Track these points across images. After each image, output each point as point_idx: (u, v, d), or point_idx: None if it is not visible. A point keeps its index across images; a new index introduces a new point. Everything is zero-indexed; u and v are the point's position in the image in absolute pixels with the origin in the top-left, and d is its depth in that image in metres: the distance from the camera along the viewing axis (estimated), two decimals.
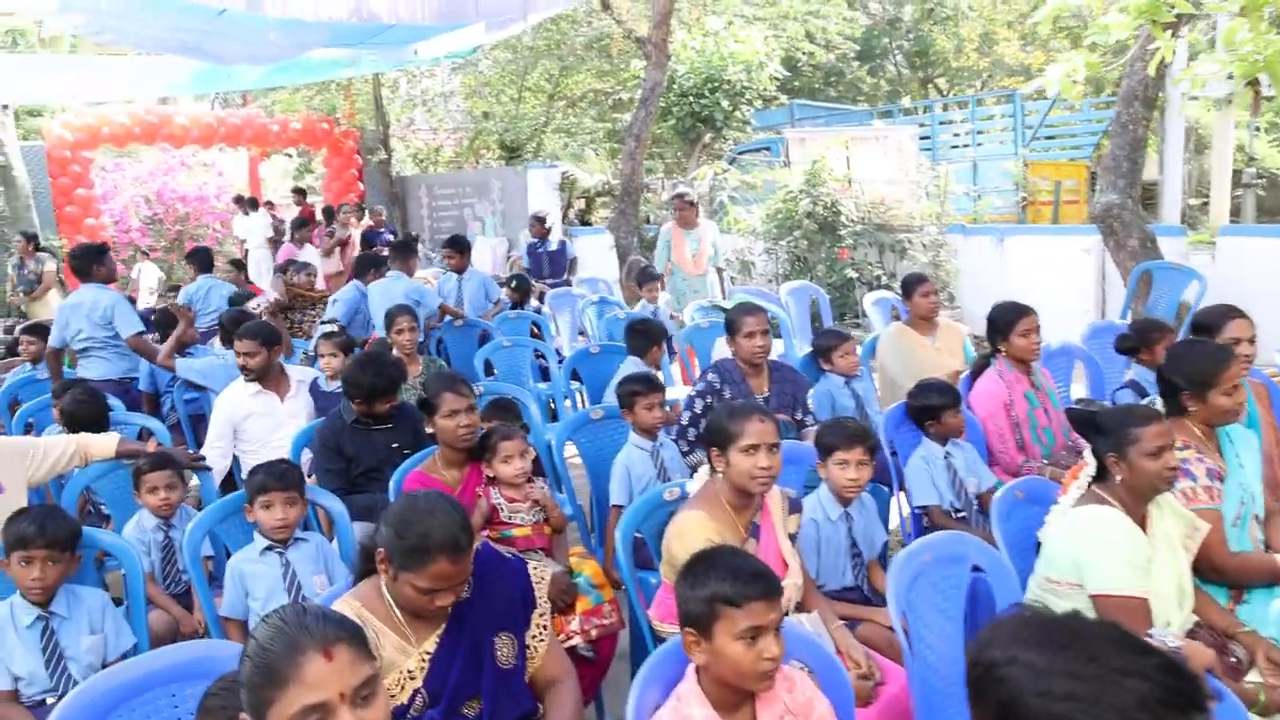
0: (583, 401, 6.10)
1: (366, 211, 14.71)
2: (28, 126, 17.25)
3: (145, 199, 15.18)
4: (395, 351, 5.41)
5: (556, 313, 8.29)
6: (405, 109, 17.58)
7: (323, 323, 5.88)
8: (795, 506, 3.10)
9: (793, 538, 3.01)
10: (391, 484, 3.62)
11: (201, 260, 7.96)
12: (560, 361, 6.40)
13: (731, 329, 4.35)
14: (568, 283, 9.17)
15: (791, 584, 2.91)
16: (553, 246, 9.20)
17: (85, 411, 4.32)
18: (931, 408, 3.90)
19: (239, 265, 10.16)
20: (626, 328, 5.50)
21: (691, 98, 11.87)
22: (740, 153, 13.74)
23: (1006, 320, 4.22)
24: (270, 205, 15.77)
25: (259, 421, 4.71)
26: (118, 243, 14.02)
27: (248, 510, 3.27)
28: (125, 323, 5.74)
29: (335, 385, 4.89)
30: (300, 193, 15.68)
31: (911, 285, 5.33)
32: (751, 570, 2.04)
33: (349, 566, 3.34)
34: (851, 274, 9.50)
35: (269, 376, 4.76)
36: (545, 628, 2.50)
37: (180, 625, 3.49)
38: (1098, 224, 8.22)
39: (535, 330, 7.39)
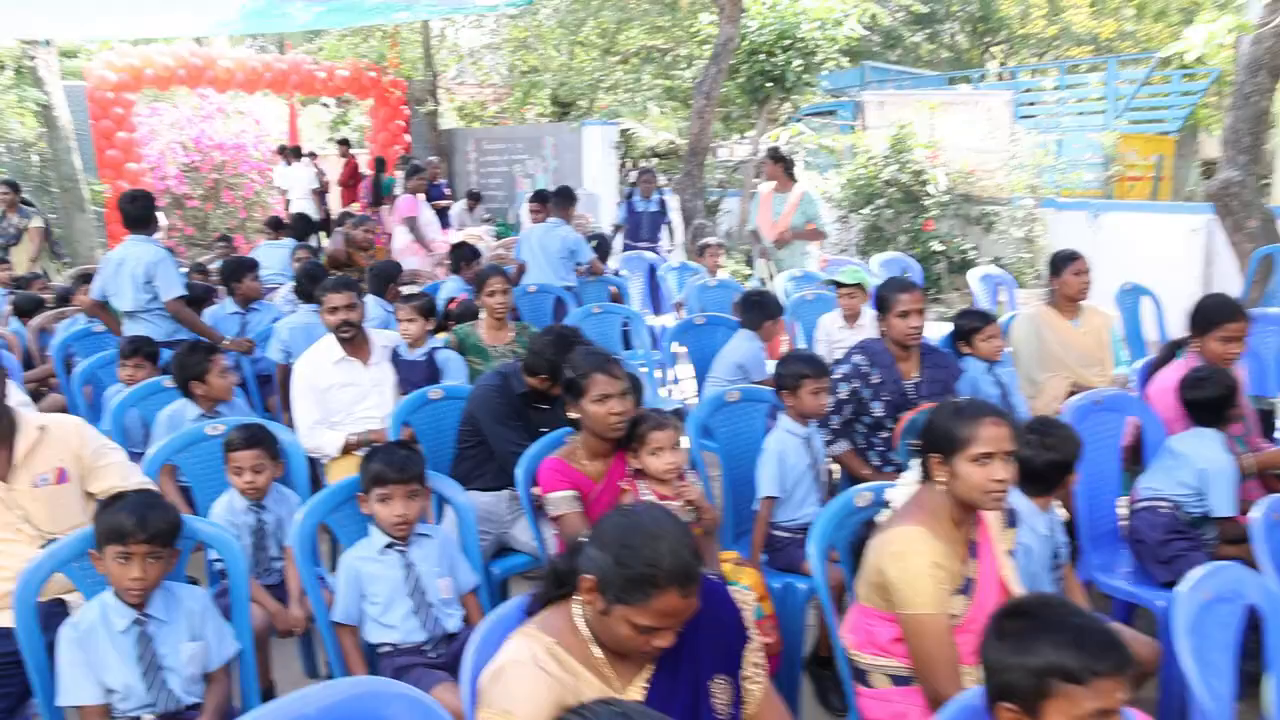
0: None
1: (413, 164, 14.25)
2: (65, 68, 16.79)
3: (183, 145, 14.72)
4: (485, 315, 4.98)
5: (629, 277, 7.84)
6: (452, 60, 17.00)
7: (403, 284, 5.40)
8: (1012, 519, 2.65)
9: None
10: (521, 472, 3.18)
11: (273, 226, 7.64)
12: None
13: (883, 306, 3.88)
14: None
15: None
16: (654, 206, 8.61)
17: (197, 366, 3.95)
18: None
19: (277, 224, 9.55)
20: (740, 299, 5.05)
21: (762, 55, 11.26)
22: (805, 114, 13.16)
23: (1215, 318, 3.71)
24: (313, 156, 15.31)
25: (342, 393, 4.27)
26: (155, 189, 13.58)
27: (362, 501, 2.84)
28: (167, 284, 5.23)
29: (418, 353, 4.45)
30: (344, 143, 15.24)
31: (1062, 262, 4.82)
32: (1100, 637, 1.59)
33: (474, 567, 2.93)
34: (936, 247, 8.96)
35: (355, 339, 4.32)
36: (759, 665, 2.06)
37: (275, 622, 3.09)
38: (1213, 202, 7.64)
39: (615, 295, 6.93)
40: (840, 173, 10.02)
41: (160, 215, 13.17)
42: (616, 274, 7.48)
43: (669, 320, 7.38)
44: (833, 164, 10.66)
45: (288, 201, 14.67)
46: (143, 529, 2.40)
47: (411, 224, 8.66)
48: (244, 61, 13.70)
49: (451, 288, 6.51)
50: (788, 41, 11.27)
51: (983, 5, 19.64)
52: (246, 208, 15.57)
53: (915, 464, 2.48)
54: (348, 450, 4.19)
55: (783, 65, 11.19)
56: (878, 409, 3.86)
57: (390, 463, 2.77)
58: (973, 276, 6.69)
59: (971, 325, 4.38)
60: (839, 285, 5.48)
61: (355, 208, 13.97)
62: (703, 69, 11.20)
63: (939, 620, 2.29)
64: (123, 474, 3.06)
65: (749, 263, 10.20)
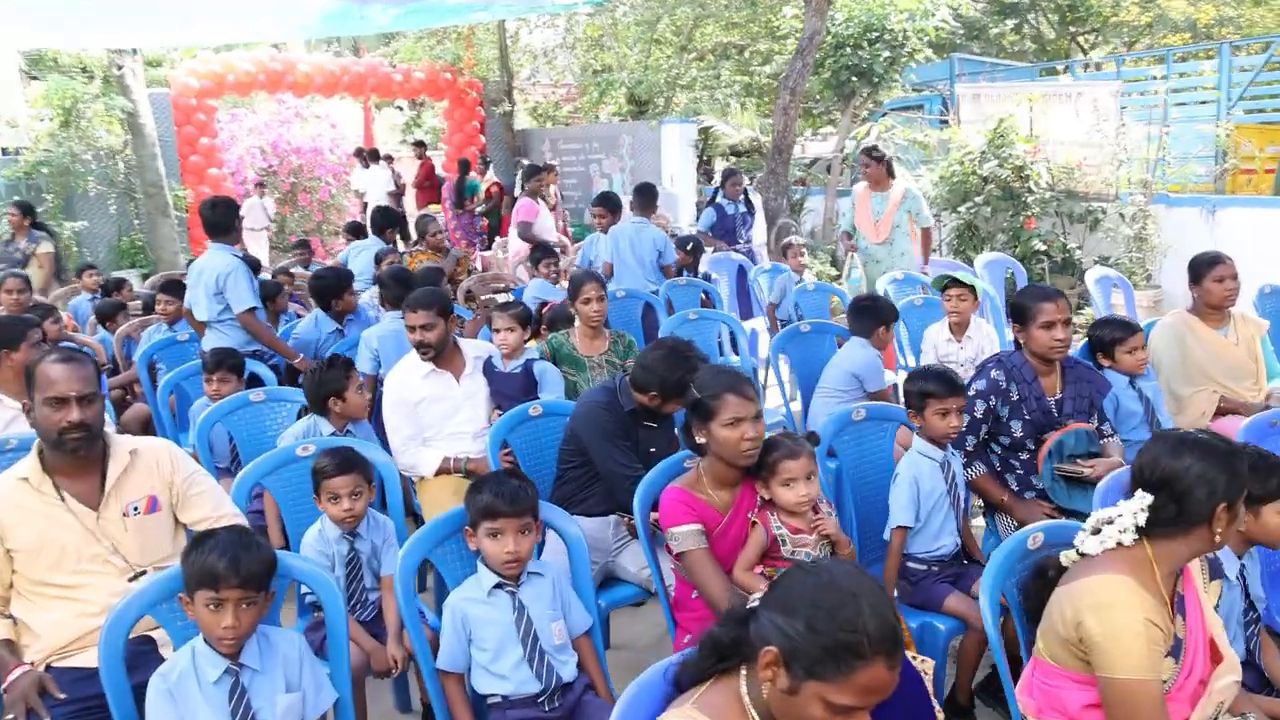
0: (791, 389, 5.30)
1: (489, 166, 14.12)
2: (149, 76, 17.06)
3: (261, 150, 14.84)
4: (580, 324, 4.73)
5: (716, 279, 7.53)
6: (526, 60, 16.87)
7: (495, 292, 5.16)
8: (1216, 570, 2.30)
9: None
10: (637, 501, 2.91)
11: (354, 231, 7.47)
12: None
13: (1022, 316, 3.53)
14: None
15: (1230, 681, 2.13)
16: (742, 207, 8.27)
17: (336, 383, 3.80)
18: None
19: (357, 229, 9.39)
20: (851, 305, 4.72)
21: (849, 48, 10.87)
22: (890, 110, 12.70)
23: None
24: (389, 159, 15.29)
25: (434, 407, 4.05)
26: (234, 195, 13.69)
27: (469, 536, 2.59)
28: (237, 296, 5.04)
29: (513, 365, 4.20)
30: (420, 145, 15.19)
31: (1203, 266, 4.39)
32: None
33: (587, 607, 2.66)
34: (1038, 246, 8.49)
35: (444, 353, 4.10)
36: None
37: (372, 661, 2.86)
38: None
39: (705, 300, 6.64)
40: (933, 169, 9.57)
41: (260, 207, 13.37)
42: (706, 277, 7.18)
43: (759, 324, 7.07)
44: (923, 160, 10.22)
45: (365, 204, 14.67)
46: (236, 573, 2.18)
47: (526, 228, 8.38)
48: (322, 66, 13.74)
49: (536, 290, 6.30)
50: (875, 34, 10.88)
51: None
52: (322, 210, 15.66)
53: (1132, 507, 2.12)
54: (442, 473, 3.98)
55: (870, 59, 10.79)
56: (1017, 429, 3.51)
57: (501, 494, 2.52)
58: (1090, 279, 6.24)
59: (1113, 336, 3.98)
60: (947, 288, 5.10)
61: (435, 209, 13.92)
62: (786, 64, 10.86)
63: (1152, 687, 1.96)
64: (215, 503, 2.86)
65: (834, 263, 9.83)
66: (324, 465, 3.00)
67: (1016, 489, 3.55)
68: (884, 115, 12.40)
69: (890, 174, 6.84)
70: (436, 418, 4.07)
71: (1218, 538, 2.07)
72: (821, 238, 10.60)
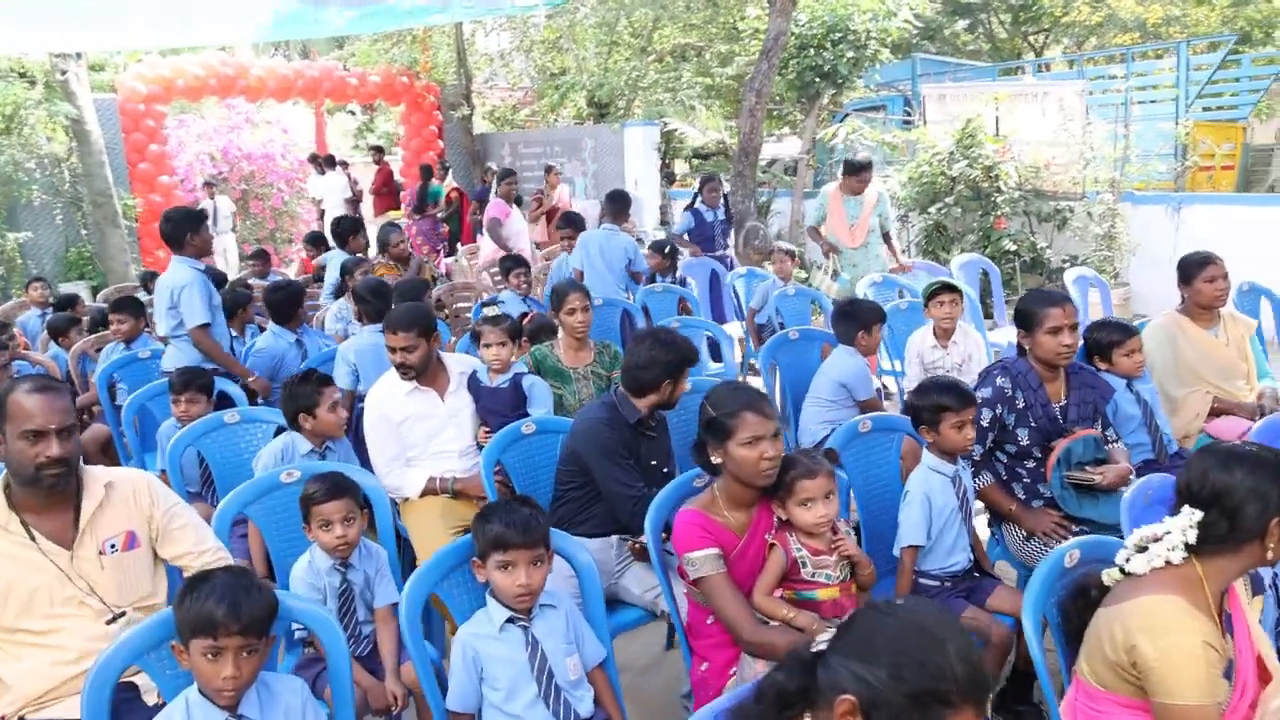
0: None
1: (449, 171, 13.89)
2: (92, 81, 16.57)
3: (210, 156, 14.47)
4: (564, 335, 4.59)
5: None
6: (483, 63, 16.65)
7: (483, 304, 4.95)
8: (1258, 585, 2.23)
9: None
10: (649, 523, 2.78)
11: (314, 242, 7.27)
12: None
13: (1028, 322, 3.45)
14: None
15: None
16: (721, 215, 8.08)
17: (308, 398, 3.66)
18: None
19: (317, 240, 9.11)
20: (834, 312, 4.63)
21: (813, 49, 10.83)
22: (851, 110, 12.70)
23: None
24: (344, 165, 14.99)
25: (418, 425, 3.89)
26: (184, 202, 13.33)
27: (477, 568, 2.45)
28: (189, 310, 4.83)
29: (501, 380, 4.05)
30: (378, 150, 14.91)
31: (1193, 266, 4.36)
32: None
33: (600, 637, 2.53)
34: (1009, 246, 8.50)
35: (427, 371, 3.94)
36: None
37: (370, 699, 2.70)
38: None
39: (683, 306, 6.52)
40: (900, 170, 9.55)
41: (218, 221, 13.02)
42: (682, 282, 7.05)
43: (734, 330, 6.97)
44: (889, 160, 10.19)
45: (321, 212, 14.35)
46: (236, 619, 2.01)
47: (495, 228, 8.16)
48: (275, 70, 13.42)
49: (510, 303, 6.14)
50: (839, 34, 10.85)
51: None
52: (275, 218, 15.31)
53: (1181, 524, 2.03)
54: (428, 494, 3.82)
55: (834, 59, 10.76)
56: (1023, 436, 3.44)
57: (512, 524, 2.38)
58: (1068, 278, 6.23)
59: (1111, 339, 3.93)
60: (936, 294, 5.03)
61: (397, 215, 13.65)
62: (749, 65, 10.79)
63: (1212, 711, 1.88)
64: (197, 537, 2.69)
65: (802, 265, 9.77)
66: (314, 491, 2.84)
67: (1023, 497, 3.47)
68: (845, 116, 12.40)
69: (865, 179, 6.79)
70: (421, 437, 3.91)
71: (1270, 554, 2.00)
72: (789, 239, 10.53)
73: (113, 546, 2.53)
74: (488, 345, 4.01)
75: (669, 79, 13.63)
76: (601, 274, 6.47)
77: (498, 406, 3.96)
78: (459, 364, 4.08)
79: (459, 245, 12.78)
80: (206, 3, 10.16)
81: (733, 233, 8.32)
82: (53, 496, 2.46)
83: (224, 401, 4.41)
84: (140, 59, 13.27)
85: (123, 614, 2.54)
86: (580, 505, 3.31)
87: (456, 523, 3.71)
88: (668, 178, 14.23)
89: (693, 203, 7.97)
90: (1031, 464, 3.46)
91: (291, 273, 11.16)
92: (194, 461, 4.11)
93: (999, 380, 3.47)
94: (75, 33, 10.40)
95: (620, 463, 3.24)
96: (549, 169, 9.98)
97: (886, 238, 7.03)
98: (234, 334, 5.96)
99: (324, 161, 14.62)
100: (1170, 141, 10.03)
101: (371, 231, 14.40)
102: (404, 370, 3.82)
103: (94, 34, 10.61)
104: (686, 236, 7.74)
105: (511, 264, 6.35)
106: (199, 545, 2.69)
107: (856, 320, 4.52)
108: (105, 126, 12.02)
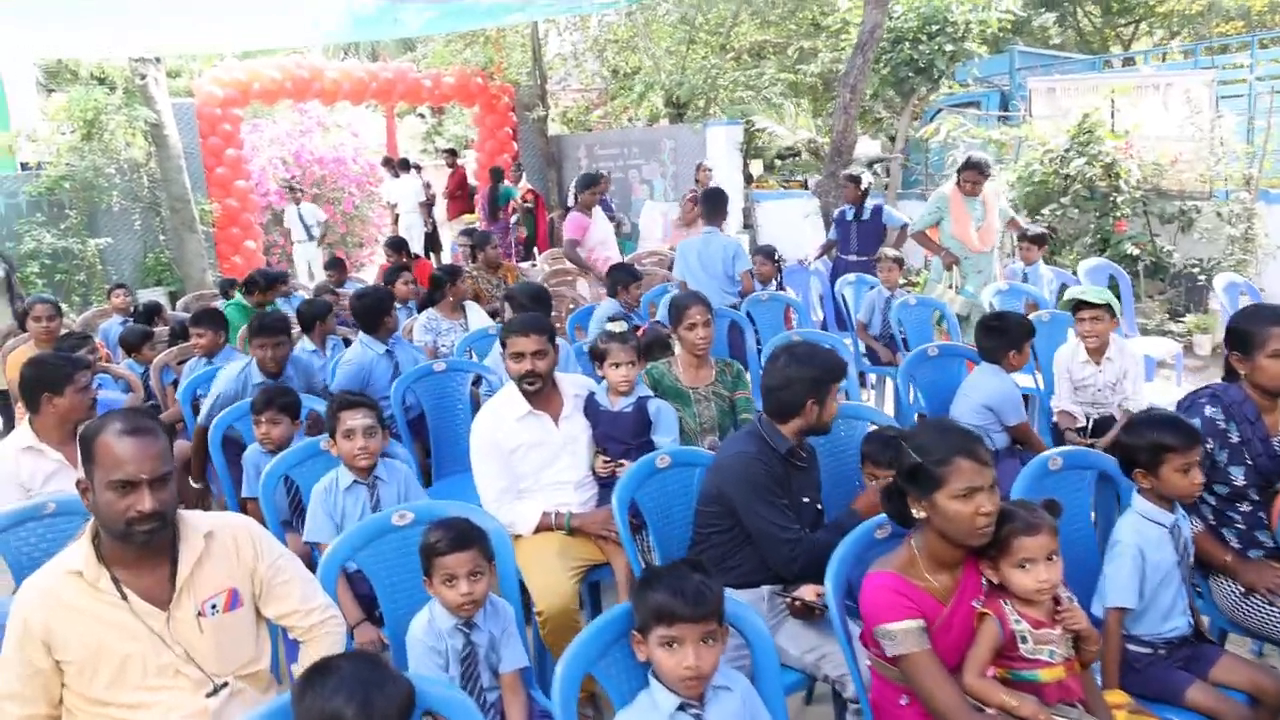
0: None
1: (523, 173, 13.59)
2: (170, 87, 16.64)
3: (283, 160, 14.39)
4: (682, 352, 4.19)
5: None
6: (557, 64, 16.35)
7: (610, 320, 4.52)
8: None
9: None
10: (830, 583, 2.36)
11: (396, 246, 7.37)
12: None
13: (1246, 344, 2.96)
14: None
15: None
16: (865, 215, 7.42)
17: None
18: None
19: (398, 245, 8.77)
20: (979, 326, 4.16)
21: (907, 43, 10.29)
22: (944, 107, 12.10)
23: None
24: (418, 168, 14.79)
25: (530, 454, 3.52)
26: (257, 207, 13.24)
27: (637, 644, 2.05)
28: None
29: (624, 404, 3.64)
30: (452, 153, 14.69)
31: None
32: None
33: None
34: (1130, 250, 7.90)
35: (543, 390, 3.57)
36: None
37: None
38: None
39: (788, 316, 6.08)
40: (1004, 168, 8.98)
41: (258, 229, 12.91)
42: (782, 288, 6.62)
43: (845, 343, 6.50)
44: (996, 160, 9.62)
45: (396, 216, 14.18)
46: (367, 714, 1.65)
47: (572, 250, 7.48)
48: (349, 72, 13.24)
49: (609, 310, 5.76)
50: (935, 27, 10.30)
51: None
52: (346, 222, 15.20)
53: None
54: (542, 529, 3.46)
55: (930, 53, 10.22)
56: (1238, 476, 2.95)
57: (679, 592, 1.97)
58: (1219, 284, 5.67)
59: None
60: (1076, 309, 4.51)
61: (472, 219, 13.42)
62: (837, 61, 10.29)
63: None
64: (304, 594, 2.34)
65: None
66: (436, 540, 2.47)
67: (1238, 546, 2.99)
68: (936, 113, 11.82)
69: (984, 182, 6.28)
70: (533, 466, 3.54)
71: None
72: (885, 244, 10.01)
73: (214, 607, 2.20)
74: (616, 365, 3.60)
75: (750, 76, 13.16)
76: (704, 283, 6.05)
77: (619, 433, 3.57)
78: (574, 385, 3.70)
79: (535, 249, 12.48)
80: (284, 4, 9.98)
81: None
82: (145, 550, 2.13)
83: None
84: (215, 64, 13.20)
85: (224, 685, 2.20)
86: (726, 550, 2.91)
87: (577, 562, 3.34)
88: (746, 179, 13.75)
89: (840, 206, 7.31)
90: (1248, 507, 2.98)
91: (369, 278, 10.90)
92: (282, 487, 3.79)
93: (1208, 410, 2.99)
94: (155, 36, 10.32)
95: (773, 502, 2.84)
96: (699, 166, 9.29)
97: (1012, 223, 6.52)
98: (313, 348, 5.71)
99: (398, 165, 14.43)
100: None
101: (446, 236, 14.36)
102: (531, 380, 3.46)
103: (174, 38, 10.52)
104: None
105: (624, 276, 5.90)
106: (306, 603, 2.35)
107: (1007, 337, 4.06)
108: (183, 131, 11.94)
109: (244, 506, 3.88)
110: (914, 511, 2.20)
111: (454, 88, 14.07)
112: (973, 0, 10.22)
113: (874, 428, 3.34)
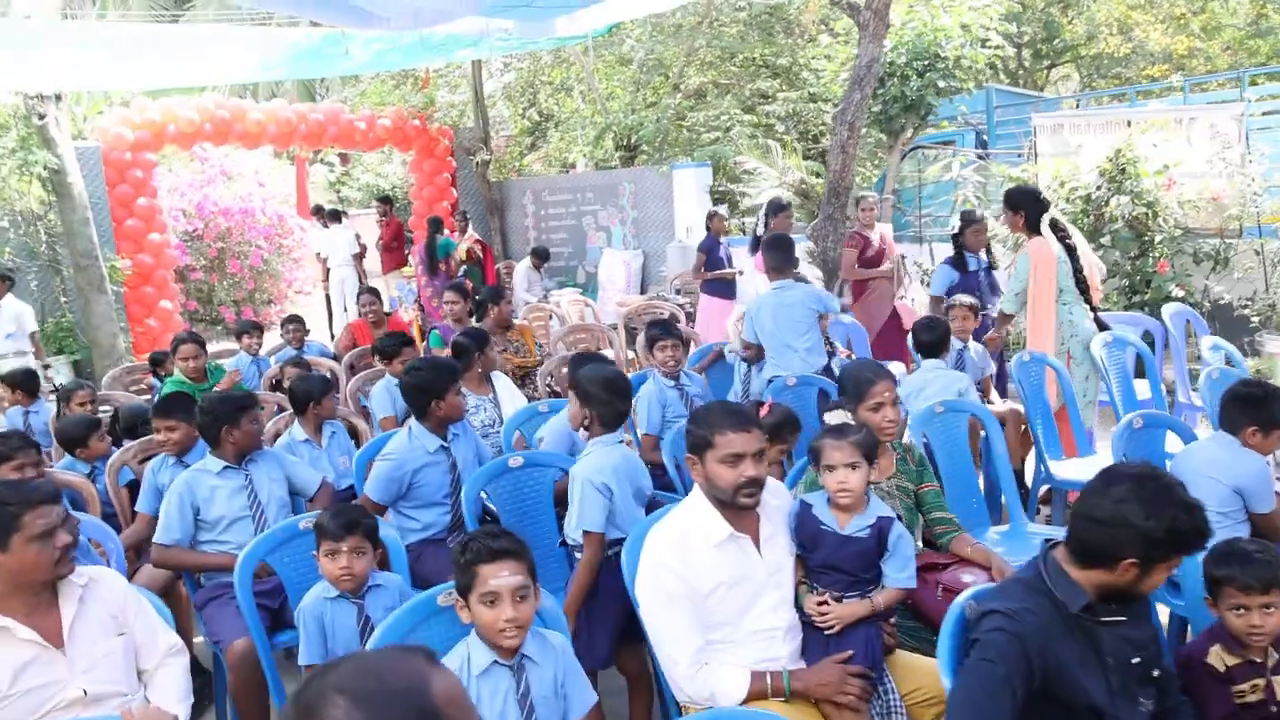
0: None
1: (469, 222, 12.54)
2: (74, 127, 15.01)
3: (184, 212, 13.03)
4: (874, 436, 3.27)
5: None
6: (490, 104, 15.40)
7: (828, 409, 3.46)
8: None
9: None
10: None
11: None
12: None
13: None
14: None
15: None
16: (985, 263, 6.42)
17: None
18: None
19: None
20: (1234, 392, 3.38)
21: (897, 78, 9.76)
22: (917, 146, 11.61)
23: None
24: (347, 217, 13.60)
25: (731, 595, 2.55)
26: (173, 261, 11.86)
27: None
28: None
29: (857, 526, 2.63)
30: (386, 201, 13.50)
31: None
32: None
33: None
34: (1174, 291, 7.38)
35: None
36: None
37: None
38: None
39: None
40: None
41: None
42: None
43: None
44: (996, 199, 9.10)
45: (327, 270, 12.93)
46: None
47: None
48: (275, 113, 11.98)
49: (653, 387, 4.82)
50: (924, 62, 9.80)
51: (1046, 26, 18.42)
52: (254, 278, 13.88)
53: None
54: (754, 699, 2.49)
55: (924, 89, 9.70)
56: None
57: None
58: None
59: None
60: None
61: (408, 273, 12.29)
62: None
63: None
64: None
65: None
66: None
67: None
68: (914, 149, 11.32)
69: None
70: (733, 611, 2.57)
71: None
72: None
73: None
74: (830, 468, 2.66)
75: (710, 117, 12.48)
76: (784, 346, 5.17)
77: (850, 564, 2.62)
78: (776, 496, 2.75)
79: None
80: (215, 38, 8.84)
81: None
82: None
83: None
84: (108, 106, 11.78)
85: None
86: None
87: None
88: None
89: (958, 254, 6.33)
90: None
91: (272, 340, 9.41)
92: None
93: None
94: (59, 71, 9.02)
95: (1092, 674, 1.98)
96: (860, 200, 8.05)
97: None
98: (304, 437, 4.67)
99: (328, 215, 13.23)
100: None
101: (383, 289, 13.17)
102: (751, 491, 2.51)
103: (81, 73, 9.23)
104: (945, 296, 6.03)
105: (660, 333, 5.02)
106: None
107: (1266, 412, 3.29)
108: (88, 178, 10.47)
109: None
110: None
111: (390, 130, 12.96)
112: (965, 35, 9.76)
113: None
